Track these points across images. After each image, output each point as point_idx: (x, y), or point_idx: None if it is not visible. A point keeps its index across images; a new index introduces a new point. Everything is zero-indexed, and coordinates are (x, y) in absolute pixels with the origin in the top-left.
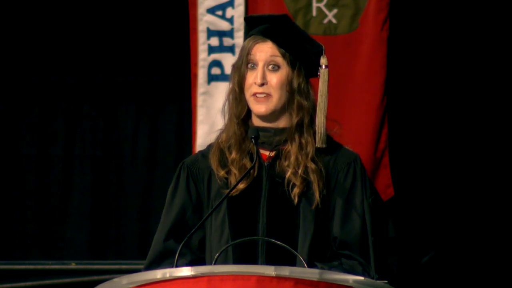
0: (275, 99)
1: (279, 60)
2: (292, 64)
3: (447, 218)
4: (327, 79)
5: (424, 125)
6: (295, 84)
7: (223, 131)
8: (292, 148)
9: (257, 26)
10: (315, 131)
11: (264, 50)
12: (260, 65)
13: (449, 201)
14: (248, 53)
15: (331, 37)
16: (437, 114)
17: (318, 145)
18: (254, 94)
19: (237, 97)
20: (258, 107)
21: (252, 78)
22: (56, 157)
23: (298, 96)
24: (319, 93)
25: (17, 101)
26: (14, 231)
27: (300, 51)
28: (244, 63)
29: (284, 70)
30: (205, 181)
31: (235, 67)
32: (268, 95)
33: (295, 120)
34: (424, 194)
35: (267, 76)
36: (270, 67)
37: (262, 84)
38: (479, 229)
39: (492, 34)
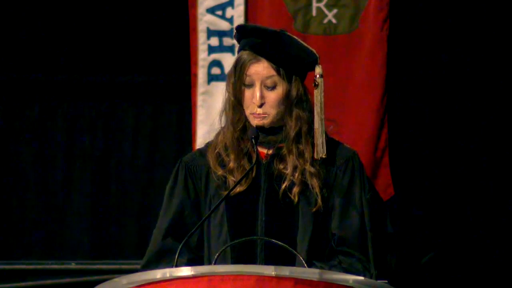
0: (273, 116)
1: (275, 78)
2: (288, 78)
3: (447, 218)
4: (322, 89)
5: (424, 125)
6: (293, 96)
7: (219, 133)
8: (290, 156)
9: (249, 37)
10: (313, 137)
11: (259, 71)
12: (257, 85)
13: (449, 201)
14: (244, 72)
15: (331, 37)
16: (437, 113)
17: (316, 156)
18: (253, 113)
19: (234, 106)
20: (257, 122)
21: (250, 96)
22: (56, 157)
23: (296, 107)
24: (316, 104)
25: (17, 101)
26: (14, 231)
27: (295, 63)
28: (241, 81)
29: (281, 87)
30: (203, 179)
31: (230, 78)
32: (266, 114)
33: (293, 131)
34: (424, 194)
35: (265, 95)
36: (266, 85)
37: (261, 105)
38: (479, 229)
39: (492, 34)
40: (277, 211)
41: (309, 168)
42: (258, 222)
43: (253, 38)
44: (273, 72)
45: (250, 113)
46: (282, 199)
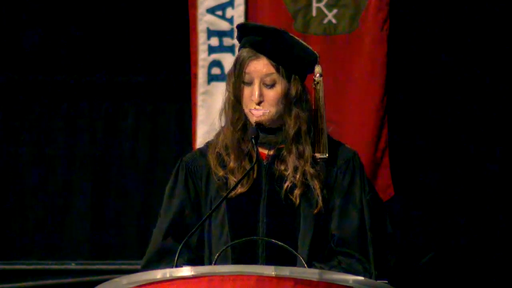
0: (272, 114)
1: (275, 76)
2: (287, 76)
3: (447, 218)
4: (322, 88)
5: (424, 125)
6: (292, 95)
7: (219, 133)
8: (290, 157)
9: (250, 34)
10: (312, 138)
11: (259, 68)
12: (256, 82)
13: (449, 201)
14: (243, 69)
15: (331, 37)
16: (437, 114)
17: (318, 156)
18: (251, 109)
19: (234, 105)
20: (256, 119)
21: (249, 94)
22: (56, 157)
23: (295, 106)
24: (316, 104)
25: (17, 101)
26: (14, 231)
27: (294, 62)
28: (240, 78)
29: (280, 85)
30: (204, 179)
31: (230, 77)
32: (265, 111)
33: (292, 130)
34: (424, 194)
35: (264, 92)
36: (266, 83)
37: (259, 102)
38: (479, 229)
39: (492, 34)
40: (278, 212)
41: (309, 168)
42: (259, 223)
43: (254, 36)
44: (272, 70)
45: (249, 110)
46: (283, 200)
